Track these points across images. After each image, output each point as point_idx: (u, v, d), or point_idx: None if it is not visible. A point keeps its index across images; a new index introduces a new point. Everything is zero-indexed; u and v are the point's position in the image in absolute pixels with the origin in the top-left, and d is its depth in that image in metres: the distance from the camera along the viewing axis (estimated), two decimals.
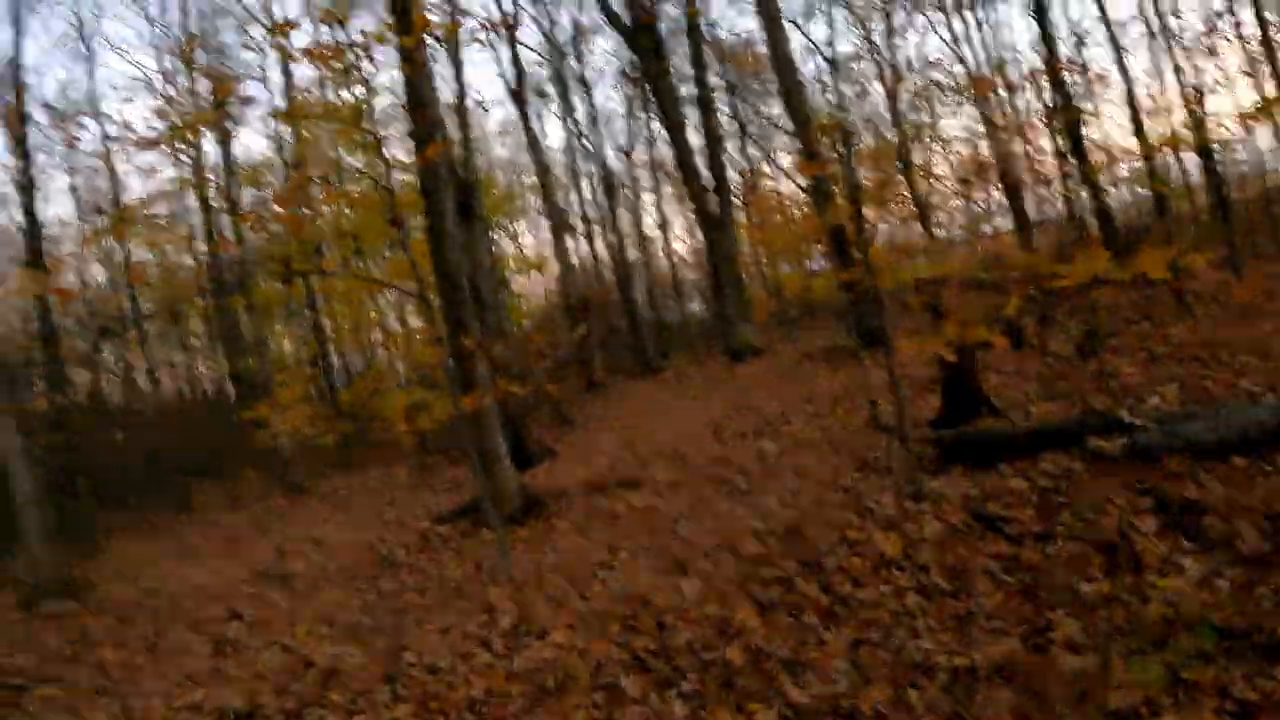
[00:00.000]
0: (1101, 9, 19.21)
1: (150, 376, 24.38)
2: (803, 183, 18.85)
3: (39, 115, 20.33)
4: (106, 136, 21.85)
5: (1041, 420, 6.48)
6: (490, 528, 7.69)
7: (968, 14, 21.07)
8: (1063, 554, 4.20)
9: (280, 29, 7.39)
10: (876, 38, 22.06)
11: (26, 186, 18.60)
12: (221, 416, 22.75)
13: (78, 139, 21.67)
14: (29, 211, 18.59)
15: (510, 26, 23.46)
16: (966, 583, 4.21)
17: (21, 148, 18.53)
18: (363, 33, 7.63)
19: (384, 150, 7.25)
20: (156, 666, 6.75)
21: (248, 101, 21.56)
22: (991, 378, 8.24)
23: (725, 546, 5.78)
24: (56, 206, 41.24)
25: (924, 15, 21.36)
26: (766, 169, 28.03)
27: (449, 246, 9.21)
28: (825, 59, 24.59)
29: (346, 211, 18.95)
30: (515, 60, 23.14)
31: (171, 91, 21.19)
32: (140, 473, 20.44)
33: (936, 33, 22.51)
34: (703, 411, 12.51)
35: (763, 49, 25.81)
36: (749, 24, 50.92)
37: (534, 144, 24.14)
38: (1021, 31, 54.63)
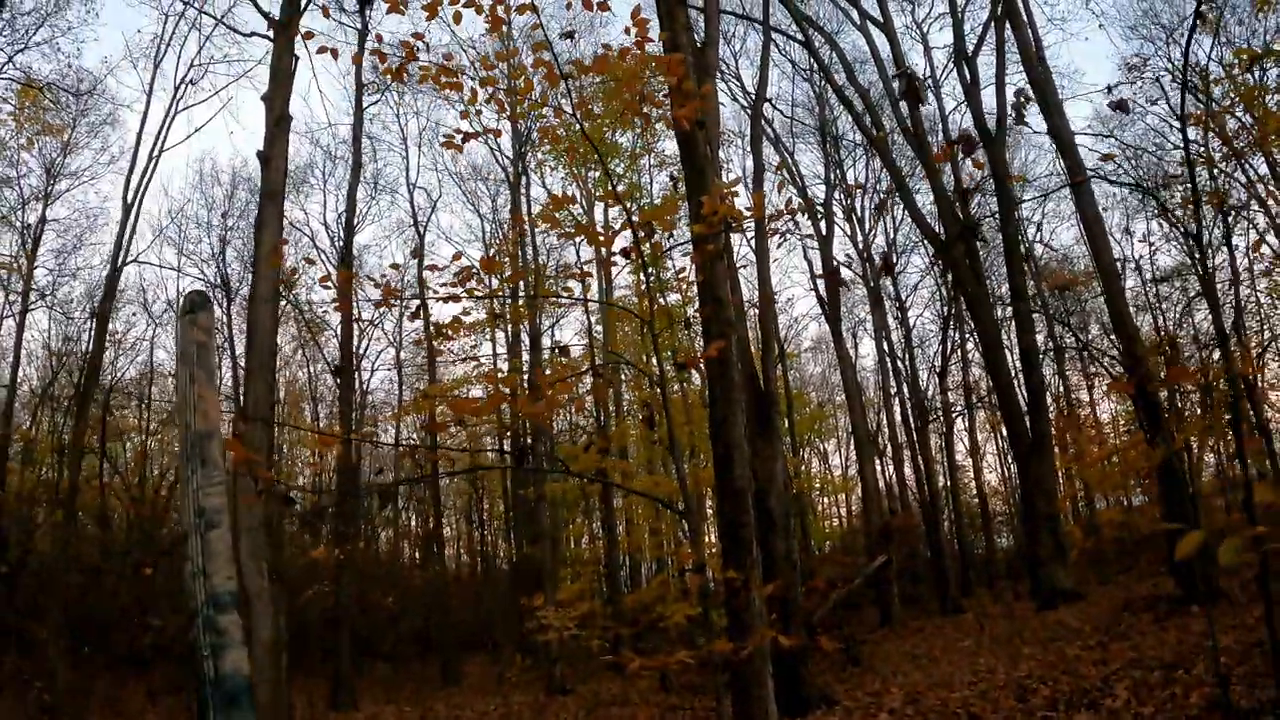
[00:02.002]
0: None
1: (439, 545, 25.89)
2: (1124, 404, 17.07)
3: (372, 292, 23.28)
4: (425, 315, 24.84)
5: None
6: None
7: None
8: None
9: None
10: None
11: (346, 355, 21.18)
12: (503, 596, 23.19)
13: (412, 315, 24.47)
14: (347, 371, 21.14)
15: (824, 238, 24.29)
16: None
17: (348, 324, 20.99)
18: (641, 222, 6.94)
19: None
20: None
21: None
22: None
23: None
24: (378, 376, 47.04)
25: (1246, 220, 19.30)
26: (1084, 393, 26.03)
27: (737, 461, 8.00)
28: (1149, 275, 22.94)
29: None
30: (829, 274, 23.65)
31: (494, 283, 23.55)
32: (409, 637, 21.12)
33: (1262, 238, 20.25)
34: (1008, 665, 11.12)
35: (1080, 265, 24.61)
36: (1066, 236, 49.46)
37: (844, 360, 24.18)
38: None
